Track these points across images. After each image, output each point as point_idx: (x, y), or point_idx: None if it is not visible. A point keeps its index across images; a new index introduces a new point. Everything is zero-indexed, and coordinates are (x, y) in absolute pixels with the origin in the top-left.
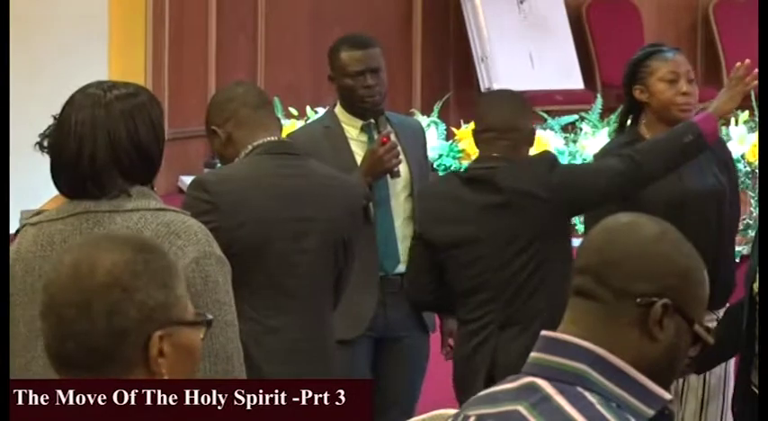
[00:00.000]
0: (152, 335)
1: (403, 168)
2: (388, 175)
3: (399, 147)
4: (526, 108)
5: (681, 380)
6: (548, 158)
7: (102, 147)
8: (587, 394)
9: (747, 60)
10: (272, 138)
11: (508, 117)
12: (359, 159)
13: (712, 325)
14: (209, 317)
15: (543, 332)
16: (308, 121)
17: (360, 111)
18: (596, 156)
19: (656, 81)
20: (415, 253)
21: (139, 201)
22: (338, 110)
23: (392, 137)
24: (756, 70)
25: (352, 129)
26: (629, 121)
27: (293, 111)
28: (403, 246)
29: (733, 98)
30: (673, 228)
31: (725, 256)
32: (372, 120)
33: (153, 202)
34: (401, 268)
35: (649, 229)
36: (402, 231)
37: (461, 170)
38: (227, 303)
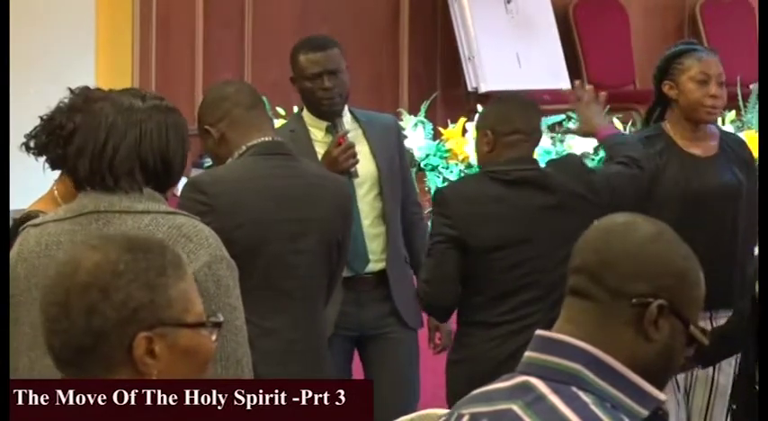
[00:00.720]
0: (136, 336)
1: (370, 167)
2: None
3: (367, 147)
4: (540, 111)
5: (690, 376)
6: (579, 160)
7: (131, 141)
8: (582, 394)
9: (584, 85)
10: (266, 139)
11: (535, 120)
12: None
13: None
14: (220, 318)
15: (538, 331)
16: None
17: (319, 113)
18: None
19: (686, 79)
20: (445, 257)
21: (150, 203)
22: (304, 112)
23: (350, 136)
24: (604, 93)
25: (317, 131)
26: (655, 115)
27: (280, 110)
28: (373, 246)
29: (598, 113)
30: (669, 228)
31: (741, 253)
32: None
33: (163, 206)
34: (371, 267)
35: (646, 230)
36: (371, 231)
37: (491, 172)
38: (238, 307)
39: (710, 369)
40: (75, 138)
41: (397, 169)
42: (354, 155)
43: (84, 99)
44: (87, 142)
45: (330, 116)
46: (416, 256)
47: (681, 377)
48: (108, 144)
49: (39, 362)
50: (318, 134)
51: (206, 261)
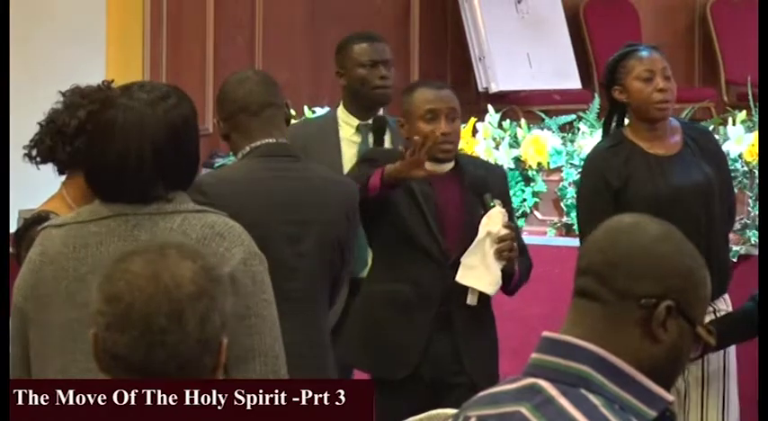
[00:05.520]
0: (222, 342)
1: None
2: None
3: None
4: None
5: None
6: None
7: (149, 153)
8: (590, 396)
9: (417, 138)
10: (270, 141)
11: None
12: (345, 159)
13: (708, 318)
14: None
15: (545, 333)
16: (313, 116)
17: (368, 104)
18: (586, 160)
19: (632, 80)
20: None
21: (179, 203)
22: (340, 109)
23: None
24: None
25: (348, 129)
26: (613, 124)
27: (290, 111)
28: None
29: (399, 168)
30: (676, 229)
31: (717, 250)
32: (370, 122)
33: (191, 205)
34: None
35: (653, 230)
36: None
37: None
38: (273, 302)
39: (700, 361)
40: (90, 148)
41: None
42: None
43: (80, 96)
44: (103, 155)
45: (380, 105)
46: None
47: None
48: (128, 158)
49: (73, 366)
50: (349, 131)
51: (241, 258)
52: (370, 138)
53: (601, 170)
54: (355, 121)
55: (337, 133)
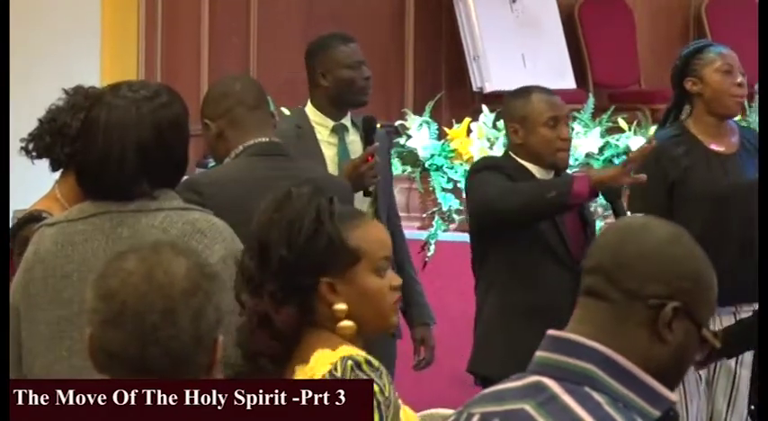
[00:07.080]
0: (217, 339)
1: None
2: (362, 192)
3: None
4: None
5: (713, 368)
6: None
7: (132, 152)
8: (595, 394)
9: (647, 146)
10: (264, 139)
11: None
12: (328, 162)
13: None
14: None
15: (550, 331)
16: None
17: (350, 105)
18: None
19: (712, 72)
20: None
21: (163, 201)
22: (309, 109)
23: (350, 141)
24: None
25: (323, 130)
26: (672, 115)
27: (285, 111)
28: None
29: (614, 174)
30: (685, 230)
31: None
32: (344, 122)
33: (176, 202)
34: None
35: (663, 232)
36: None
37: None
38: None
39: (733, 361)
40: (79, 150)
41: (389, 177)
42: (377, 174)
43: (84, 97)
44: (88, 157)
45: (361, 105)
46: (399, 266)
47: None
48: (109, 160)
49: (58, 364)
50: (324, 133)
51: (221, 255)
52: (348, 138)
53: (661, 159)
54: (330, 122)
55: (315, 135)
